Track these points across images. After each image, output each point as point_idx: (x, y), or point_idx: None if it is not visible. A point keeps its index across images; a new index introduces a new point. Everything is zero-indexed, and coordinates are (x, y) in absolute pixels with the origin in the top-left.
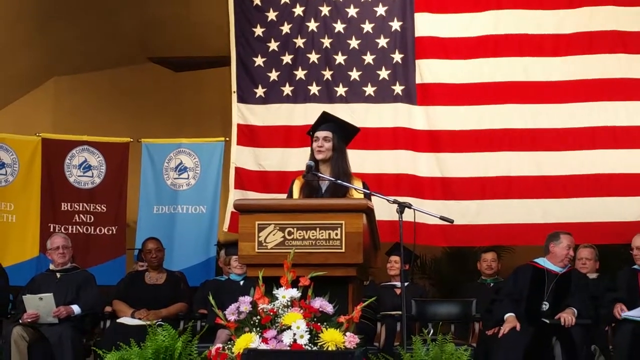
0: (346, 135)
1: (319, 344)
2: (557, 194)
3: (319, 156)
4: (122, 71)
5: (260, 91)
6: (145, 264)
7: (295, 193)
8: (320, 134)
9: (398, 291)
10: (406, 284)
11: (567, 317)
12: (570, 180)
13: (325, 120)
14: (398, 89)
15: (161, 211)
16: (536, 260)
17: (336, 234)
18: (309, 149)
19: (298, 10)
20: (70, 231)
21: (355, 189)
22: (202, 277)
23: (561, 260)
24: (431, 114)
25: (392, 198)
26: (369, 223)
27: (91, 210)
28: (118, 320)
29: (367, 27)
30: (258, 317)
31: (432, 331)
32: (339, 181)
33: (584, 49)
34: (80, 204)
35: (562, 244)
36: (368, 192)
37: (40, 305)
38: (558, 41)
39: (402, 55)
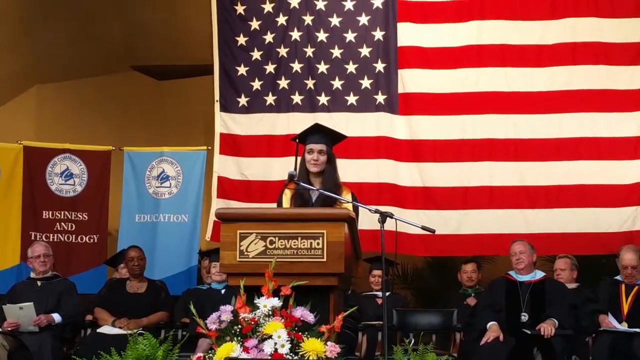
0: (335, 144)
1: (300, 353)
2: (539, 205)
3: (314, 169)
4: (105, 79)
5: (243, 100)
6: (126, 270)
7: (285, 203)
8: (316, 146)
9: (379, 301)
10: (387, 293)
11: (547, 327)
12: (553, 190)
13: (318, 131)
14: (380, 98)
15: (143, 220)
16: (509, 272)
17: (318, 244)
18: (292, 158)
19: (281, 20)
20: (51, 239)
21: (344, 201)
22: (183, 286)
23: (513, 267)
24: (413, 124)
25: (373, 207)
26: (350, 232)
27: (73, 218)
28: (98, 330)
29: (350, 36)
30: (239, 326)
31: (413, 341)
32: (321, 190)
33: (566, 60)
34: (62, 212)
35: (510, 252)
36: (356, 203)
37: (21, 315)
38: (541, 52)
39: (384, 65)
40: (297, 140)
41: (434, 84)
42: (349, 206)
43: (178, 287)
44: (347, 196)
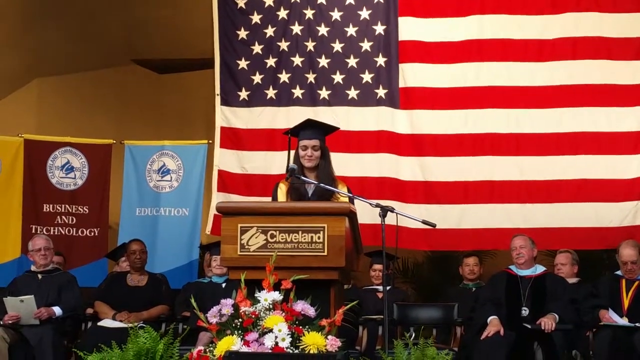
0: (329, 134)
1: (301, 347)
2: (540, 199)
3: (308, 164)
4: (105, 73)
5: (243, 94)
6: (127, 263)
7: (281, 197)
8: (309, 142)
9: (380, 295)
10: (388, 287)
11: (548, 322)
12: (553, 185)
13: (311, 126)
14: (381, 92)
15: (143, 213)
16: (510, 267)
17: (319, 237)
18: (292, 152)
19: (282, 14)
20: (52, 232)
21: (341, 193)
22: (184, 280)
23: (514, 262)
24: (414, 118)
25: (374, 201)
26: (351, 226)
27: (73, 211)
28: (99, 324)
29: (351, 30)
30: (240, 319)
31: (413, 335)
32: (322, 184)
33: (567, 55)
34: (63, 206)
35: (511, 247)
36: (352, 195)
37: (22, 307)
38: (542, 46)
39: (385, 59)
40: (290, 134)
41: (435, 78)
42: (346, 199)
43: (179, 280)
44: (342, 190)
